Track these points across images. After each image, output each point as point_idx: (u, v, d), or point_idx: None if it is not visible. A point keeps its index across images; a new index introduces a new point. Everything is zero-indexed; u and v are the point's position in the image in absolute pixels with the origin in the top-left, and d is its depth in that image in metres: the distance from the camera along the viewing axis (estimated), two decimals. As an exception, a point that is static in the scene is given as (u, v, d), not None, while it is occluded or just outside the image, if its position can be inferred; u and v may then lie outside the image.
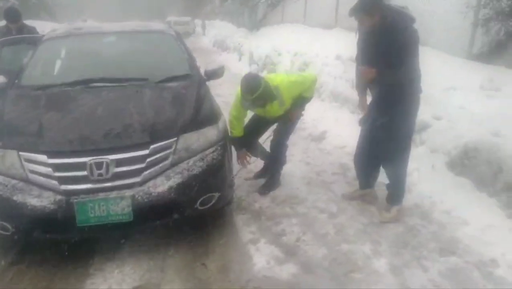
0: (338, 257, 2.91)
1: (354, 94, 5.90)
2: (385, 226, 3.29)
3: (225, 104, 4.92)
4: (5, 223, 2.76)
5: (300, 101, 3.77)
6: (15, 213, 2.69)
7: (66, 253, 2.96)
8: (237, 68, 11.98)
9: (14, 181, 2.72)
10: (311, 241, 3.12)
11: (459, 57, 6.31)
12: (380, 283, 2.63)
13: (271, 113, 3.75)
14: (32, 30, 5.55)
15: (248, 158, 3.90)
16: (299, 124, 5.00)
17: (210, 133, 3.09)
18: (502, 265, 2.78)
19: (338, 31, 10.18)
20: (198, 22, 31.54)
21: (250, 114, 3.91)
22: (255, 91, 3.41)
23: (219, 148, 3.09)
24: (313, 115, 6.30)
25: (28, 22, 5.84)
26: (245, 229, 3.31)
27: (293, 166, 4.44)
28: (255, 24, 18.53)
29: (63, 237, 2.83)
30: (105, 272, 2.81)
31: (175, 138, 2.91)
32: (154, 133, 2.88)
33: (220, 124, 3.24)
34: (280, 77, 3.71)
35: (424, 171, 3.95)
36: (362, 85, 3.44)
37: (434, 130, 4.21)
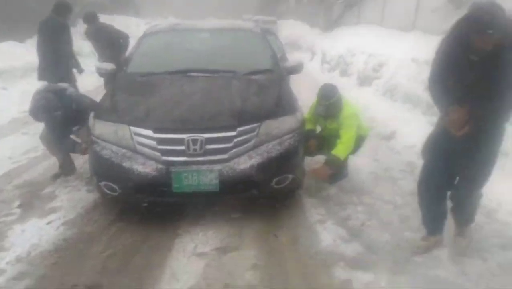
0: (400, 243, 3.14)
1: (426, 97, 6.01)
2: (449, 220, 3.43)
3: (298, 100, 5.24)
4: (113, 185, 3.31)
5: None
6: (123, 177, 3.23)
7: (159, 215, 3.48)
8: (309, 67, 12.26)
9: (124, 150, 3.27)
10: (375, 226, 3.37)
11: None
12: (439, 268, 2.83)
13: (328, 129, 4.08)
14: (109, 28, 6.62)
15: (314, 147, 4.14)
16: (368, 123, 5.21)
17: (288, 121, 3.45)
18: None
19: (415, 34, 10.07)
20: (272, 21, 32.05)
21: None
22: (330, 98, 3.84)
23: (296, 135, 3.44)
24: (384, 115, 6.46)
25: (116, 18, 7.16)
26: (313, 211, 3.63)
27: (360, 161, 4.65)
28: (330, 25, 18.60)
29: (160, 200, 3.33)
30: (191, 233, 3.28)
31: (259, 123, 3.30)
32: (241, 118, 3.30)
33: (298, 114, 3.60)
34: (349, 104, 3.99)
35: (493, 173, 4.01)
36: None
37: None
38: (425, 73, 6.55)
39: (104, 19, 7.30)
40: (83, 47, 10.26)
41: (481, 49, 2.42)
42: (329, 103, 3.83)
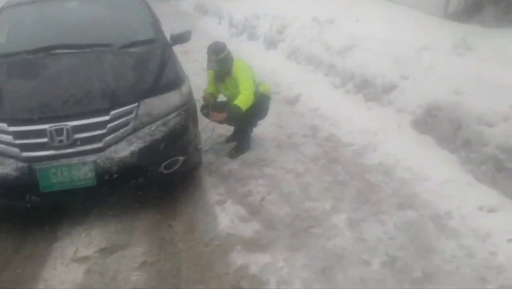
0: (300, 214, 3.02)
1: (327, 57, 5.97)
2: (348, 184, 3.39)
3: (202, 69, 4.89)
4: (-31, 192, 2.79)
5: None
6: (-22, 181, 2.72)
7: (33, 219, 3.03)
8: (218, 33, 11.79)
9: (-25, 150, 2.73)
10: (275, 200, 3.21)
11: (436, 16, 6.28)
12: (337, 237, 2.74)
13: (229, 90, 3.91)
14: None
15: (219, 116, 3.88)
16: (274, 88, 4.99)
17: (172, 98, 3.10)
18: (456, 217, 2.90)
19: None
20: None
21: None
22: (220, 53, 3.70)
23: (182, 112, 3.11)
24: (288, 79, 6.31)
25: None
26: (212, 191, 3.38)
27: (265, 129, 4.45)
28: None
29: (27, 203, 2.86)
30: (72, 235, 2.89)
31: (136, 104, 2.92)
32: (114, 99, 2.89)
33: (184, 88, 3.24)
34: (240, 60, 3.93)
35: (390, 130, 4.03)
36: None
37: (401, 90, 4.27)
38: (326, 33, 6.54)
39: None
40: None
41: None
42: (218, 58, 3.71)
